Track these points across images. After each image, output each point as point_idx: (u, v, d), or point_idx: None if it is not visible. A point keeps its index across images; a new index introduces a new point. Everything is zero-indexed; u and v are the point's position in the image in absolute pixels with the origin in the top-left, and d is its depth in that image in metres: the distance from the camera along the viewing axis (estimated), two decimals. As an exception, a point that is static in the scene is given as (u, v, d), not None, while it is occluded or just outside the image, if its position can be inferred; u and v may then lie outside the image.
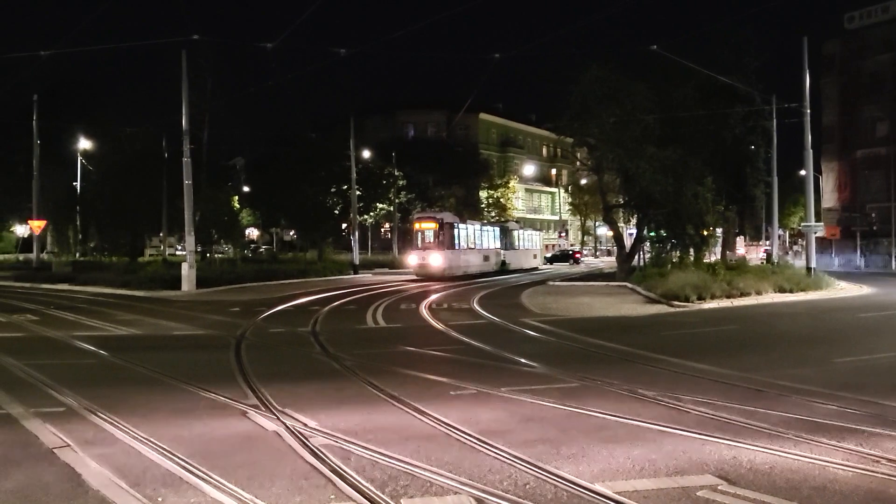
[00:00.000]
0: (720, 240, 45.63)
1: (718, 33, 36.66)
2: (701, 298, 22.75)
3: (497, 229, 48.37)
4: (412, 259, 39.64)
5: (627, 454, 6.85)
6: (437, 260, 38.07)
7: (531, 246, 55.39)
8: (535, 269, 53.97)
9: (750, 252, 62.10)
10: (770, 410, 8.47)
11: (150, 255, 54.66)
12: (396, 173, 62.14)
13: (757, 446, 6.99)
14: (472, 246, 42.83)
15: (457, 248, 39.86)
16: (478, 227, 45.76)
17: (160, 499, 5.77)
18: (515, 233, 51.66)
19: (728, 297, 23.46)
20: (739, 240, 59.31)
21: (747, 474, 6.27)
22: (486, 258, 44.33)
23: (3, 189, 59.39)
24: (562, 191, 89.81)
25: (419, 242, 39.60)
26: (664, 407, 8.78)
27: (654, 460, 6.67)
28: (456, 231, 40.28)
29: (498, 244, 46.86)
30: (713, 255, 42.37)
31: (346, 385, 10.36)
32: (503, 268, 46.49)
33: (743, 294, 23.98)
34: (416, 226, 40.39)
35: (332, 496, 5.84)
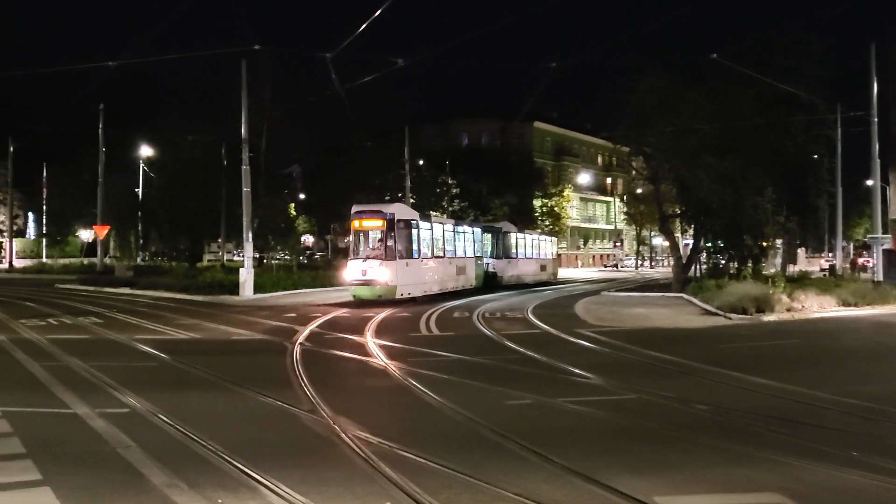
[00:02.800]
0: (780, 251, 44.61)
1: (780, 41, 35.91)
2: (760, 311, 22.23)
3: (478, 231, 36.52)
4: (348, 273, 26.59)
5: (683, 468, 6.73)
6: (382, 274, 25.44)
7: (538, 254, 44.61)
8: (545, 284, 42.64)
9: (812, 264, 60.53)
10: (833, 428, 8.24)
11: (209, 261, 55.81)
12: (450, 181, 62.33)
13: (821, 465, 6.80)
14: (441, 254, 30.69)
15: (415, 256, 27.55)
16: (449, 227, 33.10)
17: (220, 500, 5.88)
18: (512, 237, 40.58)
19: (789, 310, 22.88)
20: (801, 252, 57.89)
21: (813, 493, 6.10)
22: (460, 270, 32.66)
23: (70, 195, 61.42)
24: (617, 200, 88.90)
25: (358, 247, 26.86)
26: (721, 422, 8.61)
27: (712, 476, 6.54)
28: (414, 232, 27.62)
29: (479, 251, 35.43)
30: (773, 267, 41.42)
31: (399, 392, 10.41)
32: (492, 282, 36.03)
33: (805, 307, 23.36)
34: (355, 223, 26.80)
35: (388, 503, 5.88)
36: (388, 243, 25.69)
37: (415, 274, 27.32)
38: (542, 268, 44.75)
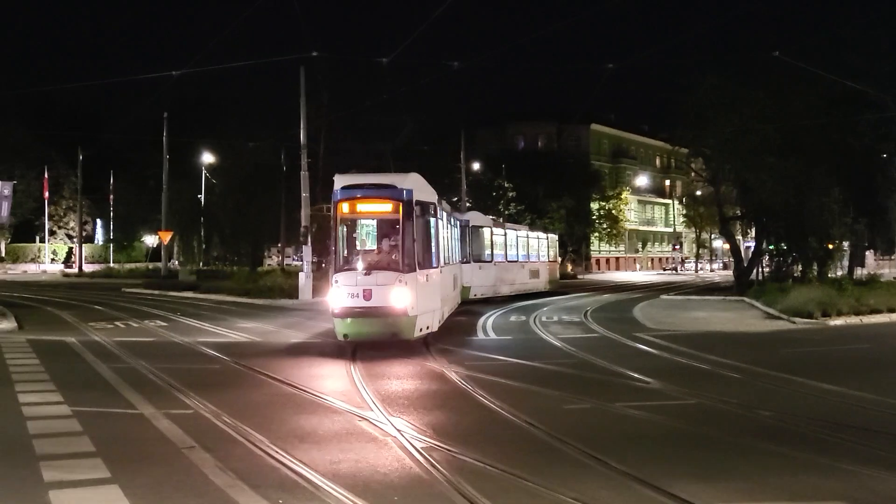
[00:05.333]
0: (847, 254, 43.31)
1: (846, 37, 34.91)
2: (826, 315, 21.60)
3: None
4: (335, 296, 14.78)
5: (745, 476, 6.60)
6: (400, 297, 14.55)
7: (525, 256, 35.05)
8: (536, 296, 33.08)
9: (881, 267, 58.55)
10: (904, 436, 7.97)
11: (268, 265, 56.73)
12: (506, 185, 62.18)
13: (892, 475, 6.58)
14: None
15: (434, 264, 16.52)
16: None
17: (280, 501, 5.98)
18: (485, 233, 30.00)
19: (857, 314, 22.18)
20: (869, 254, 56.07)
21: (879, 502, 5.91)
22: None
23: (136, 202, 63.25)
24: (676, 202, 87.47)
25: (349, 250, 16.31)
26: (786, 429, 8.40)
27: (776, 484, 6.39)
28: (433, 224, 16.70)
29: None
30: (840, 270, 40.24)
31: (456, 396, 10.43)
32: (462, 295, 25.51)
33: (874, 311, 22.61)
34: (344, 208, 15.43)
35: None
36: (407, 243, 14.86)
37: (431, 293, 16.15)
38: (535, 274, 35.36)
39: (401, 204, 14.84)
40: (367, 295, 14.33)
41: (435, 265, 16.46)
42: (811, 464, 6.93)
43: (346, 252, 15.80)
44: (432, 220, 16.51)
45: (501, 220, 39.54)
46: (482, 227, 29.93)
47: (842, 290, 24.68)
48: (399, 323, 14.50)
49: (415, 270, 14.78)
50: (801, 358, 14.69)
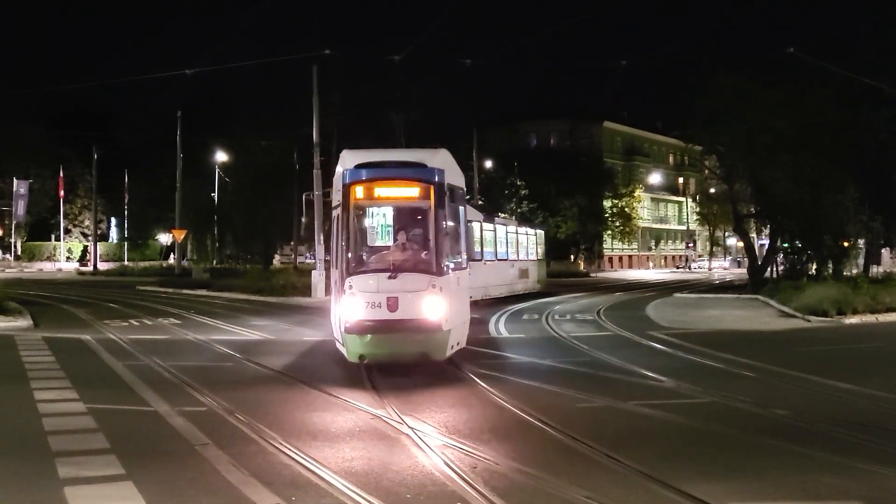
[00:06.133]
0: (863, 252, 43.02)
1: (861, 33, 34.67)
2: (841, 313, 21.45)
3: None
4: (348, 306, 11.43)
5: (760, 475, 6.56)
6: (434, 308, 11.44)
7: (518, 255, 32.08)
8: (523, 299, 29.74)
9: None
10: (921, 435, 7.90)
11: (282, 264, 56.91)
12: (518, 183, 62.10)
13: (907, 473, 6.53)
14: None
15: (463, 264, 13.42)
16: None
17: (293, 498, 5.99)
18: (474, 229, 24.82)
19: (872, 312, 22.01)
20: (885, 252, 55.65)
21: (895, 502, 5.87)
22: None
23: (150, 200, 63.63)
24: (689, 200, 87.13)
25: (360, 244, 12.69)
26: (801, 428, 8.35)
27: (791, 483, 6.35)
28: (461, 213, 13.40)
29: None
30: (855, 268, 39.97)
31: (469, 394, 10.42)
32: None
33: (889, 309, 22.42)
34: (357, 192, 12.02)
35: (458, 504, 5.91)
36: (439, 238, 11.85)
37: (463, 300, 13.48)
38: (522, 273, 32.34)
39: (432, 188, 11.81)
40: (393, 305, 11.24)
41: (465, 265, 13.43)
42: (826, 463, 6.88)
43: (357, 249, 12.24)
44: (461, 209, 13.23)
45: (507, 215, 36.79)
46: (471, 221, 22.59)
47: (857, 289, 24.49)
48: (432, 340, 11.48)
49: (447, 272, 11.76)
50: (816, 356, 14.60)
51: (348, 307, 11.31)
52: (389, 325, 11.26)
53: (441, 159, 12.39)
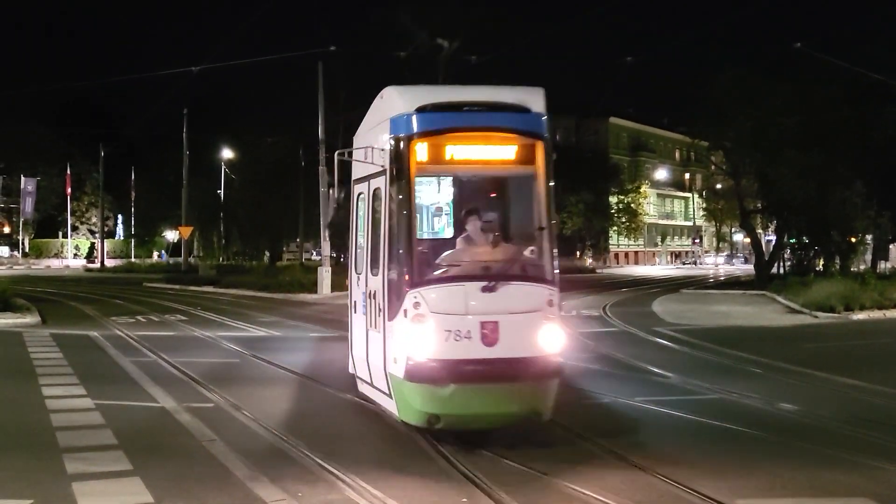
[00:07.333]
0: (870, 247, 42.90)
1: (868, 29, 34.50)
2: (848, 309, 21.39)
3: None
4: (409, 334, 7.12)
5: (768, 471, 6.54)
6: (551, 338, 7.30)
7: None
8: None
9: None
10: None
11: (288, 260, 57.01)
12: (524, 179, 62.01)
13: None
14: None
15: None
16: None
17: (300, 493, 6.01)
18: None
19: (880, 308, 21.94)
20: (893, 248, 55.44)
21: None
22: None
23: (156, 198, 63.82)
24: (696, 196, 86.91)
25: (410, 232, 7.41)
26: (809, 424, 8.33)
27: (799, 479, 6.33)
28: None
29: None
30: (863, 264, 39.84)
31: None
32: None
33: (897, 305, 22.37)
34: (422, 152, 7.54)
35: (465, 499, 5.90)
36: (551, 225, 7.79)
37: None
38: None
39: (541, 146, 7.78)
40: (491, 335, 7.11)
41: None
42: (834, 459, 6.86)
43: (419, 244, 7.82)
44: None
45: None
46: None
47: (864, 284, 24.43)
48: (546, 391, 7.39)
49: (556, 279, 7.56)
50: (823, 352, 14.57)
51: (410, 338, 7.13)
52: (488, 368, 7.11)
53: (541, 100, 7.98)
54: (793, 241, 37.52)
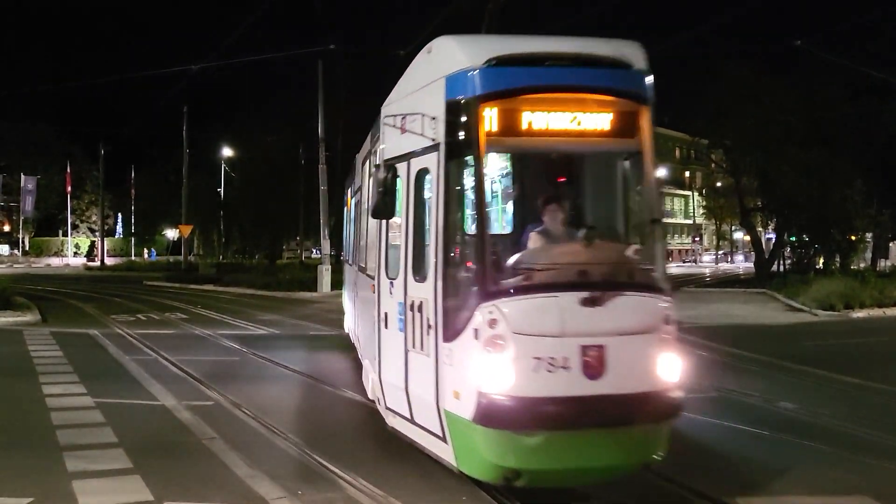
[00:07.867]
0: (870, 245, 42.90)
1: (870, 26, 34.47)
2: (849, 307, 21.39)
3: None
4: (486, 369, 5.34)
5: (767, 469, 6.55)
6: (671, 367, 5.75)
7: None
8: None
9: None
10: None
11: (288, 258, 57.01)
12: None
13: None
14: None
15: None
16: None
17: (300, 491, 6.01)
18: None
19: (880, 306, 21.93)
20: (893, 246, 55.47)
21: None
22: None
23: (156, 196, 63.87)
24: (696, 194, 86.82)
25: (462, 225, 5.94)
26: (809, 422, 8.33)
27: (798, 477, 6.34)
28: None
29: None
30: (863, 262, 39.85)
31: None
32: None
33: (897, 304, 22.37)
34: (495, 118, 5.68)
35: (465, 498, 5.90)
36: (658, 217, 6.44)
37: None
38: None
39: (644, 112, 6.10)
40: (596, 364, 5.46)
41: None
42: (834, 457, 6.87)
43: (490, 242, 5.92)
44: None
45: None
46: None
47: (865, 282, 24.44)
48: (663, 435, 5.84)
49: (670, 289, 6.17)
50: (823, 350, 14.57)
51: (483, 368, 5.44)
52: (592, 408, 5.44)
53: (645, 60, 6.21)
54: (793, 239, 37.50)
